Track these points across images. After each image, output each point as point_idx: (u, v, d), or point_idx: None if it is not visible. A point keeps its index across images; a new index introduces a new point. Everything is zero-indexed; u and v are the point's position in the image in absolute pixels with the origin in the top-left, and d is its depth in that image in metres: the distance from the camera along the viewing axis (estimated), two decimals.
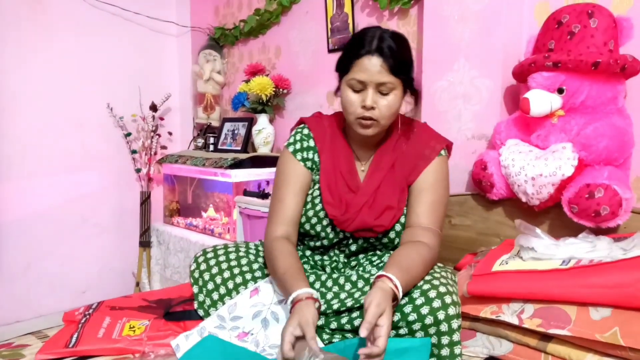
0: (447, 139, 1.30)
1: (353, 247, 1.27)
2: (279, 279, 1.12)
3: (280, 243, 1.19)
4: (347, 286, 1.20)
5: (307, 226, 1.26)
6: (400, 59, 1.14)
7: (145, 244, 2.85)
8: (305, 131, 1.32)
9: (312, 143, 1.31)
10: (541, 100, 1.34)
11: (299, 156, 1.29)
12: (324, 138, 1.30)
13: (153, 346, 1.14)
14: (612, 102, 1.33)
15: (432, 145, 1.26)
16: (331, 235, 1.25)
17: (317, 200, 1.25)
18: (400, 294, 1.00)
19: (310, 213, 1.25)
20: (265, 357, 1.03)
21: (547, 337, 1.07)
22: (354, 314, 1.14)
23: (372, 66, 1.13)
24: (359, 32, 1.19)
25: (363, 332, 0.87)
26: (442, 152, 1.26)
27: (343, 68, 1.19)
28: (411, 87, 1.21)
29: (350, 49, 1.17)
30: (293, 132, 1.34)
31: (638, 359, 0.94)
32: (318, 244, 1.28)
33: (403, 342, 1.05)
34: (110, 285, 2.85)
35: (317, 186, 1.28)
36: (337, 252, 1.29)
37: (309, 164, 1.29)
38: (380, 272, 1.02)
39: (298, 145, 1.30)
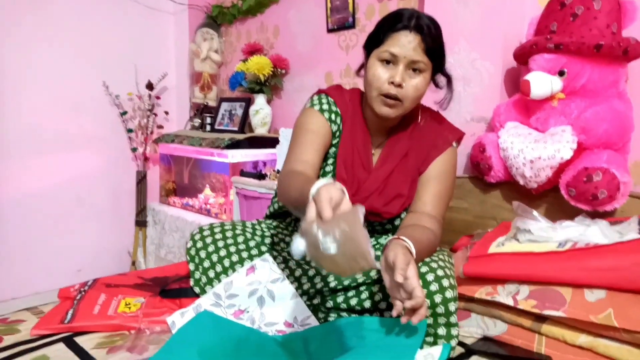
0: (460, 130, 1.29)
1: None
2: (295, 199, 0.96)
3: (297, 173, 1.08)
4: None
5: None
6: (437, 41, 1.12)
7: (141, 223, 2.84)
8: (329, 99, 1.26)
9: (336, 109, 1.25)
10: (542, 82, 1.33)
11: (326, 115, 1.23)
12: (346, 109, 1.26)
13: (149, 323, 1.14)
14: (613, 85, 1.32)
15: (445, 135, 1.25)
16: None
17: (329, 176, 1.24)
18: (415, 258, 0.99)
19: None
20: (260, 332, 1.03)
21: (541, 318, 1.07)
22: (350, 293, 1.14)
23: (408, 42, 1.10)
24: (396, 11, 1.15)
25: (399, 278, 0.87)
26: (454, 143, 1.25)
27: (375, 41, 1.15)
28: (442, 71, 1.18)
29: (386, 23, 1.13)
30: (314, 97, 1.27)
31: (631, 339, 0.95)
32: None
33: (399, 321, 1.06)
34: (106, 264, 2.85)
35: (330, 161, 1.25)
36: None
37: (334, 127, 1.24)
38: (394, 236, 1.02)
39: (325, 106, 1.24)
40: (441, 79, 1.21)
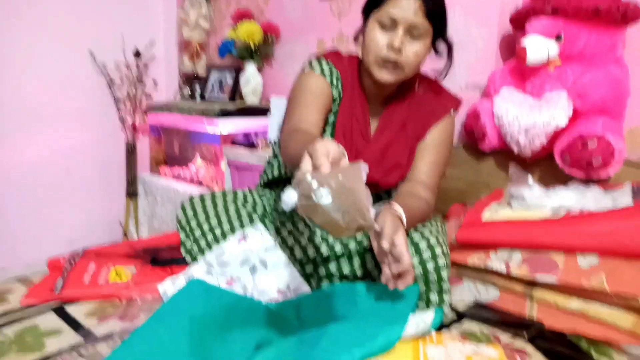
0: (458, 97, 1.26)
1: None
2: (297, 156, 0.86)
3: (302, 131, 1.04)
4: None
5: None
6: (438, 3, 1.08)
7: (132, 194, 2.82)
8: (329, 63, 1.21)
9: (337, 73, 1.21)
10: (538, 47, 1.30)
11: (327, 78, 1.19)
12: (346, 75, 1.22)
13: (140, 291, 1.13)
14: (610, 51, 1.30)
15: (443, 103, 1.22)
16: None
17: None
18: (405, 225, 0.99)
19: None
20: (252, 299, 1.02)
21: (533, 284, 1.08)
22: (343, 261, 1.14)
23: (408, 5, 1.06)
24: None
25: (386, 245, 0.87)
26: (452, 111, 1.23)
27: (374, 4, 1.10)
28: (444, 37, 1.15)
29: None
30: (313, 61, 1.22)
31: (622, 303, 0.95)
32: None
33: None
34: (98, 235, 2.83)
35: (328, 129, 1.22)
36: None
37: (335, 92, 1.20)
38: (385, 204, 1.01)
39: (327, 70, 1.20)
40: (441, 46, 1.18)
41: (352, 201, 0.67)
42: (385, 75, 1.11)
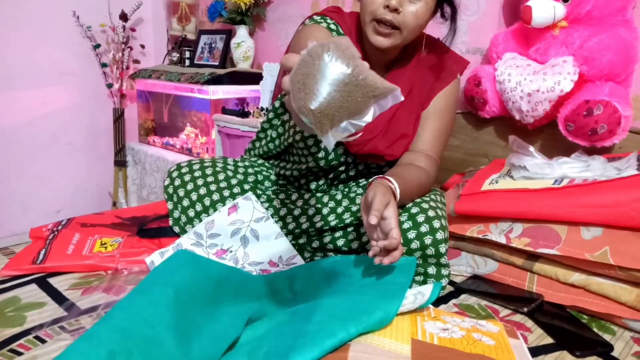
0: (464, 58, 1.19)
1: (352, 172, 1.19)
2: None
3: None
4: (331, 204, 1.15)
5: (309, 141, 1.13)
6: None
7: (120, 163, 2.75)
8: (332, 20, 1.14)
9: (338, 30, 1.13)
10: (544, 7, 1.23)
11: (333, 33, 1.11)
12: (348, 33, 1.14)
13: (126, 263, 1.10)
14: (620, 12, 1.24)
15: (449, 66, 1.16)
16: (331, 157, 1.15)
17: None
18: (398, 198, 0.95)
19: None
20: (242, 271, 0.98)
21: (534, 257, 1.05)
22: (337, 233, 1.10)
23: None
24: None
25: (373, 220, 0.82)
26: (458, 75, 1.17)
27: None
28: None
29: None
30: (314, 17, 1.15)
31: (626, 277, 0.92)
32: (311, 165, 1.16)
33: None
34: (86, 205, 2.78)
35: None
36: (329, 176, 1.21)
37: None
38: (378, 176, 0.97)
39: (332, 26, 1.12)
40: (447, 9, 1.09)
41: (350, 53, 0.57)
42: (380, 40, 1.03)
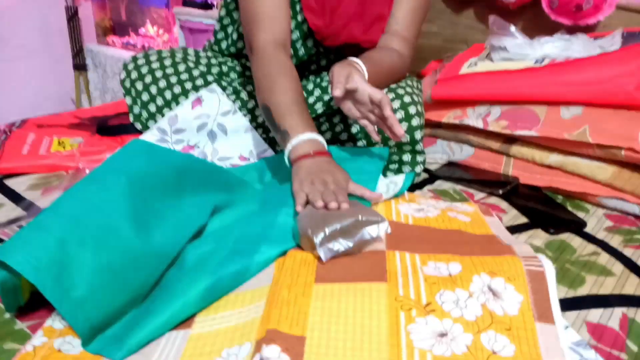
0: None
1: (323, 62, 1.11)
2: (276, 111, 0.86)
3: (278, 54, 0.93)
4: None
5: None
6: None
7: (80, 66, 2.59)
8: None
9: None
10: None
11: None
12: None
13: (87, 162, 1.04)
14: None
15: None
16: (301, 53, 1.06)
17: (297, 7, 1.02)
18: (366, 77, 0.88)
19: None
20: (206, 161, 0.94)
21: (511, 140, 1.02)
22: None
23: None
24: None
25: (337, 92, 0.77)
26: None
27: None
28: None
29: None
30: None
31: (603, 155, 0.91)
32: None
33: (359, 150, 1.00)
34: (48, 113, 2.65)
35: None
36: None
37: None
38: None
39: None
40: None
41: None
42: None
